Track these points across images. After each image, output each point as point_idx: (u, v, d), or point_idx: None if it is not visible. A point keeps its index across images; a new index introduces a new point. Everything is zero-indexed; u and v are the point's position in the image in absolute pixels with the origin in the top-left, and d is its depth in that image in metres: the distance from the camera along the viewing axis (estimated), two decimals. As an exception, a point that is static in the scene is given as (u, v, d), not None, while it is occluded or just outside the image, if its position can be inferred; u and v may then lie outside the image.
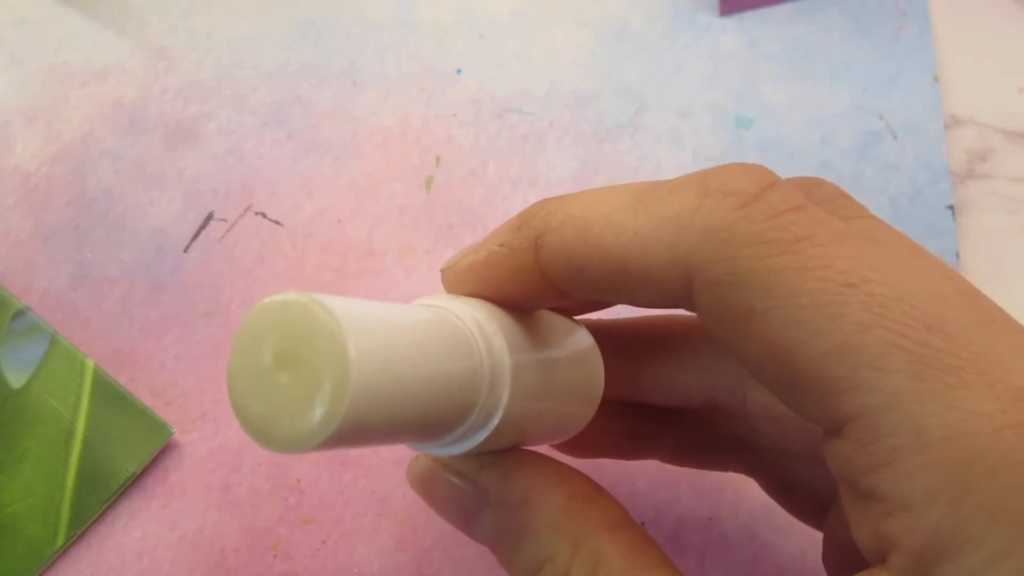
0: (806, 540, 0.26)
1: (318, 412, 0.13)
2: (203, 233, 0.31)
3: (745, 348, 0.15)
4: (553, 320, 0.20)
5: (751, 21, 0.35)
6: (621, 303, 0.17)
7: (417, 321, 0.16)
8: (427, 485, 0.19)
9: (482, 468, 0.18)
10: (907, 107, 0.33)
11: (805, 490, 0.22)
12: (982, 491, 0.12)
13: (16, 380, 0.28)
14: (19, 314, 0.29)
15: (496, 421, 0.17)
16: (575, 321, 0.21)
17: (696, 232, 0.15)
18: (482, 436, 0.17)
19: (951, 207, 0.32)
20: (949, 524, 0.12)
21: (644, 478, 0.27)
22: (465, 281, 0.19)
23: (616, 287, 0.16)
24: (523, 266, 0.17)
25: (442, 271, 0.19)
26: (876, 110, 0.33)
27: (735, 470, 0.24)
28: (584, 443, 0.23)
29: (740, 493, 0.27)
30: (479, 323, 0.17)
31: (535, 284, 0.18)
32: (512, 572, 0.18)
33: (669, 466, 0.27)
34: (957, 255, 0.31)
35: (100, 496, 0.26)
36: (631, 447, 0.24)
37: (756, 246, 0.14)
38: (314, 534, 0.26)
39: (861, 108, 0.33)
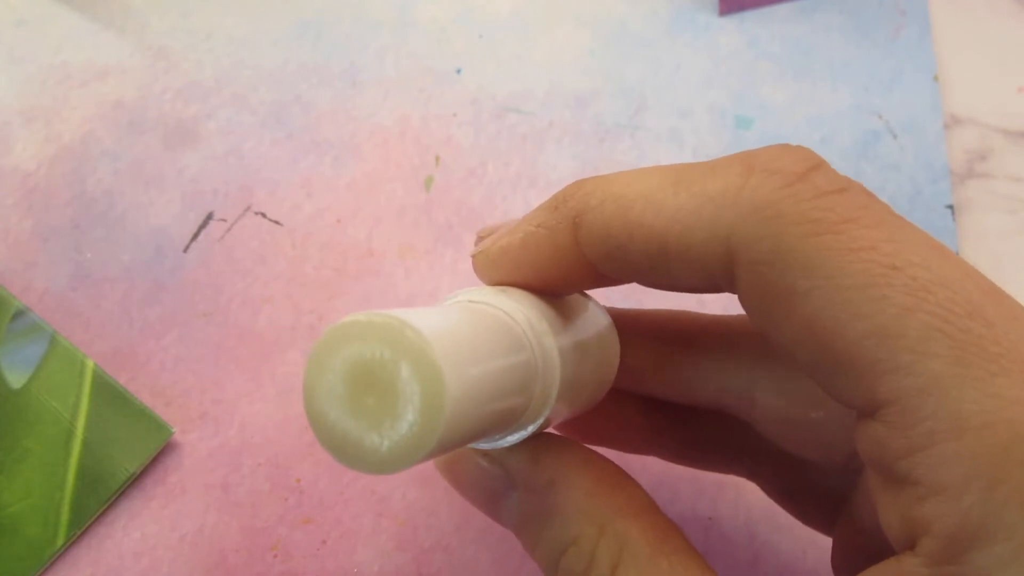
0: (806, 540, 0.26)
1: (410, 435, 0.13)
2: (203, 233, 0.31)
3: (784, 328, 0.15)
4: (578, 301, 0.20)
5: (751, 21, 0.35)
6: (660, 284, 0.17)
7: (486, 329, 0.15)
8: (454, 468, 0.19)
9: (510, 451, 0.18)
10: (907, 107, 0.33)
11: (809, 495, 0.22)
12: (1017, 478, 0.12)
13: (16, 380, 0.28)
14: (19, 314, 0.29)
15: (543, 418, 0.17)
16: (589, 297, 0.21)
17: (740, 209, 0.15)
18: (528, 432, 0.17)
19: (951, 207, 0.32)
20: (982, 510, 0.12)
21: (644, 477, 0.27)
22: (499, 265, 0.18)
23: (656, 266, 0.16)
24: (561, 247, 0.17)
25: (473, 256, 0.19)
26: (876, 110, 0.33)
27: (737, 473, 0.24)
28: (590, 430, 0.23)
29: (740, 493, 0.27)
30: (531, 322, 0.17)
31: (572, 266, 0.17)
32: (537, 555, 0.18)
33: (669, 466, 0.27)
34: (957, 254, 0.31)
35: (100, 496, 0.26)
36: (636, 439, 0.24)
37: (801, 225, 0.14)
38: (314, 534, 0.26)
39: (861, 108, 0.33)
